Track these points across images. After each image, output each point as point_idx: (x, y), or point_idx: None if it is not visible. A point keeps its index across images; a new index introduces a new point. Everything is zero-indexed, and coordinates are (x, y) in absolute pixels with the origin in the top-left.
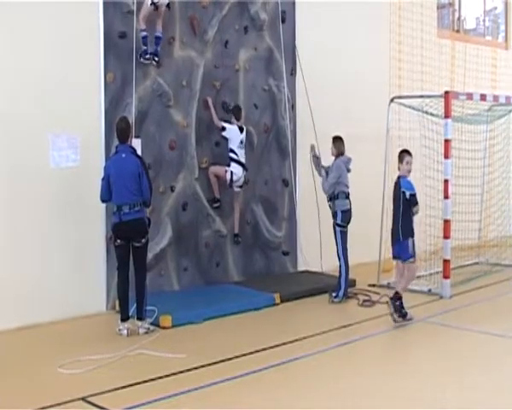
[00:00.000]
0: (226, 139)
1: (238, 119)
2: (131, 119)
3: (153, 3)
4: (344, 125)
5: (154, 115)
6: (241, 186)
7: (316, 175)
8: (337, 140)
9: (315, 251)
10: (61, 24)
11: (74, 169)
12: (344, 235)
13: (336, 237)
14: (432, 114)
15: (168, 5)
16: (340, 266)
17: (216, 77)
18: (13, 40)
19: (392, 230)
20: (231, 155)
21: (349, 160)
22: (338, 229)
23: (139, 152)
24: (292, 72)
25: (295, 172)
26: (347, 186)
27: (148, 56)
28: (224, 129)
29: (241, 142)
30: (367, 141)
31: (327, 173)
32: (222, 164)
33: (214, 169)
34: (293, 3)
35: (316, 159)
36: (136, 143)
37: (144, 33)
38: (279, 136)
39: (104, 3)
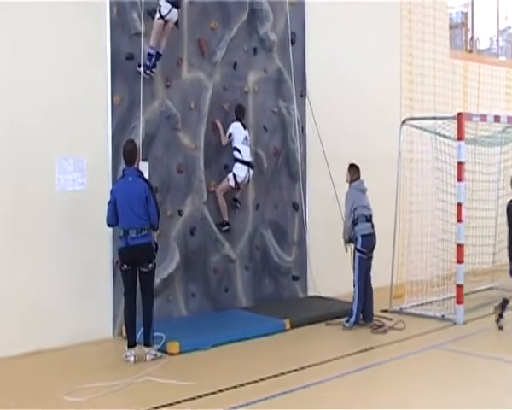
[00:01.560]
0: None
1: (241, 119)
2: (139, 141)
3: (161, 17)
4: (354, 148)
5: (161, 138)
6: (247, 183)
7: (326, 198)
8: (352, 167)
9: (326, 276)
10: (67, 45)
11: (81, 193)
12: (363, 262)
13: (354, 263)
14: (444, 136)
15: (177, 23)
16: (354, 292)
17: (225, 99)
18: (18, 62)
19: (509, 248)
20: (235, 153)
21: (360, 182)
22: (357, 254)
23: (146, 175)
24: (302, 93)
25: (305, 195)
26: (368, 208)
27: (147, 70)
28: (230, 136)
29: (246, 138)
30: (378, 164)
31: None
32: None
33: (219, 188)
34: (303, 25)
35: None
36: (144, 167)
37: (151, 50)
38: (289, 159)
39: (111, 25)
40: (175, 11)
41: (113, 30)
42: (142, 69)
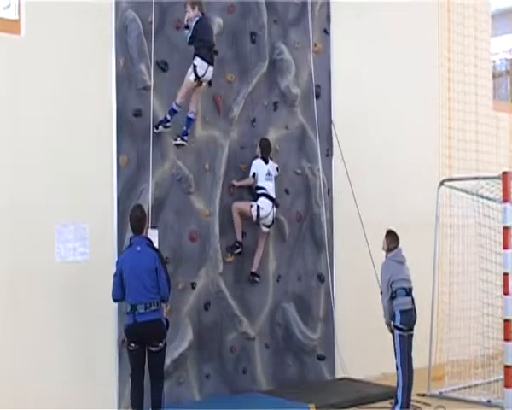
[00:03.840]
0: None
1: (265, 154)
2: (147, 207)
3: (197, 78)
4: (386, 212)
5: (172, 203)
6: (269, 225)
7: (356, 268)
8: (390, 234)
9: (355, 356)
10: (68, 101)
11: (82, 263)
12: (404, 340)
13: (394, 343)
14: (488, 199)
15: (210, 81)
16: (397, 375)
17: (242, 159)
18: (19, 122)
19: None
20: (259, 191)
21: (397, 251)
22: (397, 333)
23: (156, 244)
24: (328, 152)
25: (332, 266)
26: (408, 280)
27: (167, 125)
28: (254, 175)
29: (268, 173)
30: (413, 230)
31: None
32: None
33: (238, 205)
34: (329, 76)
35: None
36: (153, 235)
37: (176, 108)
38: (313, 225)
39: (117, 78)
40: (211, 69)
41: (120, 84)
42: (160, 127)
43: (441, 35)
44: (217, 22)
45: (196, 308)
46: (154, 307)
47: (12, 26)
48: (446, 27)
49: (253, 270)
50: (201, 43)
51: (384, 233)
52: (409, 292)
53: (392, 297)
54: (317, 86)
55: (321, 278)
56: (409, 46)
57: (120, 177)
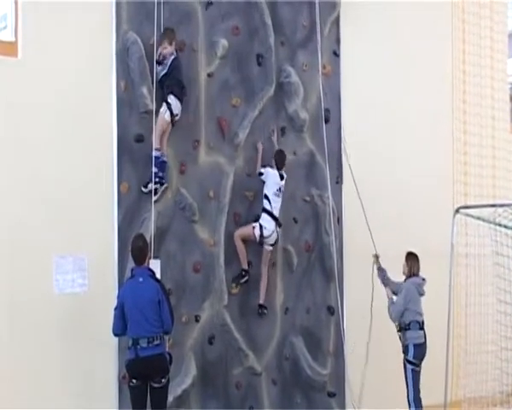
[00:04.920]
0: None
1: (281, 166)
2: (149, 236)
3: (171, 115)
4: (399, 241)
5: (175, 232)
6: (273, 244)
7: (368, 300)
8: (411, 257)
9: (368, 392)
10: (67, 127)
11: (81, 296)
12: (416, 375)
13: (407, 378)
14: (506, 227)
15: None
16: None
17: (248, 187)
18: (16, 148)
19: None
20: (264, 202)
21: (422, 281)
22: (409, 367)
23: (158, 275)
24: (337, 179)
25: (342, 298)
26: (421, 314)
27: (163, 182)
28: (260, 174)
29: (279, 189)
30: (427, 260)
31: (395, 294)
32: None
33: (240, 232)
34: (339, 99)
35: (381, 272)
36: (155, 265)
37: (158, 153)
38: (323, 255)
39: (118, 102)
40: (179, 106)
41: (120, 108)
42: (151, 186)
43: (455, 56)
44: (221, 44)
45: (200, 342)
46: (156, 342)
47: (8, 48)
48: (461, 48)
49: (261, 302)
50: (175, 81)
51: (397, 261)
52: (422, 326)
53: (406, 329)
54: (327, 110)
55: (331, 311)
56: (422, 68)
57: (121, 205)
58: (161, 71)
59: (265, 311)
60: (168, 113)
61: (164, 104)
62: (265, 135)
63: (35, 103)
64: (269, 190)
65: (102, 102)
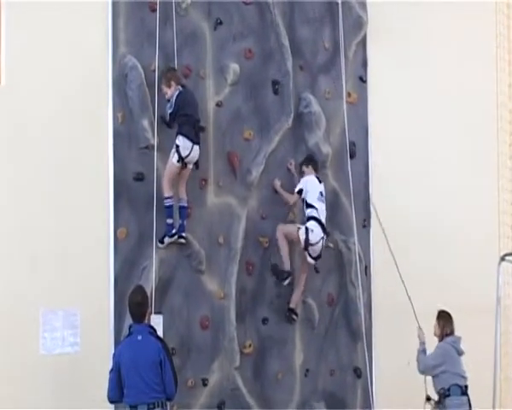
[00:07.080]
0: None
1: (316, 169)
2: (150, 288)
3: (181, 160)
4: (437, 294)
5: (180, 283)
6: (316, 258)
7: (400, 362)
8: (443, 316)
9: None
10: (56, 165)
11: (72, 356)
12: None
13: None
14: None
15: (197, 163)
16: None
17: (263, 231)
18: (8, 191)
19: None
20: (309, 211)
21: (457, 339)
22: None
23: (160, 333)
24: (364, 223)
25: (371, 358)
26: (464, 377)
27: (173, 235)
28: (300, 192)
29: (321, 194)
30: (468, 314)
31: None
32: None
33: (283, 227)
34: (366, 132)
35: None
36: (157, 321)
37: (170, 202)
38: (348, 310)
39: (115, 136)
40: (196, 149)
41: (117, 142)
42: (168, 240)
43: (500, 90)
44: (232, 69)
45: (209, 409)
46: (158, 409)
47: None
48: (507, 82)
49: (292, 306)
50: (184, 118)
51: (435, 317)
52: (465, 391)
53: (446, 395)
54: (352, 144)
55: (357, 373)
56: (463, 96)
57: (118, 252)
58: (168, 109)
59: (295, 317)
60: (176, 156)
61: (174, 146)
62: (282, 172)
63: (19, 138)
64: (311, 196)
65: (97, 135)
